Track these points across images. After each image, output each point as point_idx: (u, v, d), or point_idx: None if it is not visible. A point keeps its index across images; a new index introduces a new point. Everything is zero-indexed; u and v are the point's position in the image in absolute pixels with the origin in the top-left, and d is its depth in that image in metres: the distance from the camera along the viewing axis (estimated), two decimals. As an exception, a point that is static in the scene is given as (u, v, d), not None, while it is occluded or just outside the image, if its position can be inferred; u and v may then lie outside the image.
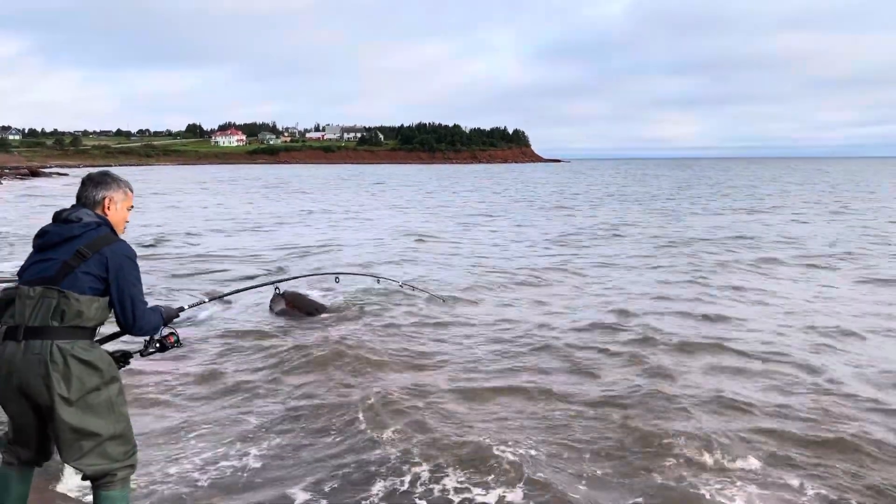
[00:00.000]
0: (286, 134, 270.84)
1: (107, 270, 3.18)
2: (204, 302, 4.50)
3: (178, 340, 3.57)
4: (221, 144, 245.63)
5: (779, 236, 22.66)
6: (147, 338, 3.48)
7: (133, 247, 3.44)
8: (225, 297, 3.86)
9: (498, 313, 11.81)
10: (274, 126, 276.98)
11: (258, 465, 5.85)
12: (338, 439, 6.41)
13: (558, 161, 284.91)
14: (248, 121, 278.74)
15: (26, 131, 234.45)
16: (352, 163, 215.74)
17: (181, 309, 3.76)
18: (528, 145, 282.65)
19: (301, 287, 13.66)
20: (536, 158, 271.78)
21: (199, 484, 5.40)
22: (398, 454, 5.98)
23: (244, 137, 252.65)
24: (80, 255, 3.15)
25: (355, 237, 23.79)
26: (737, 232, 23.96)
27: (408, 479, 5.54)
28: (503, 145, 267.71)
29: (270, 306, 12.33)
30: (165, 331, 3.53)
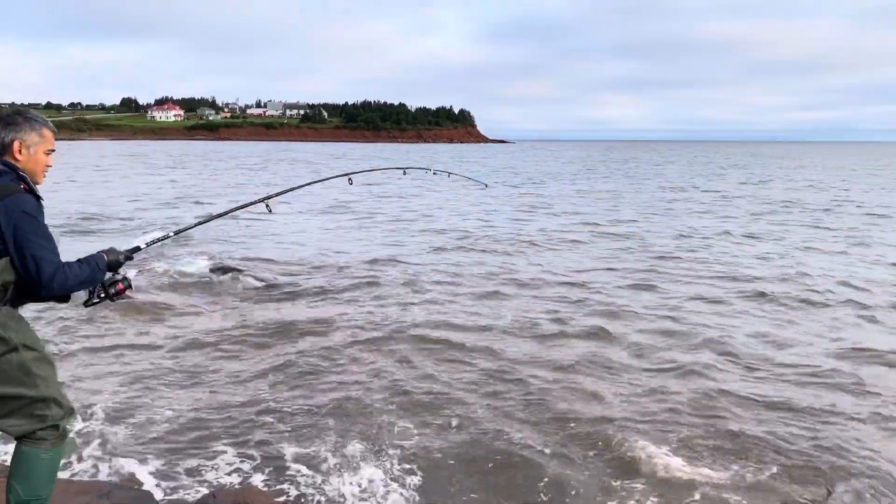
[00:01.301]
0: (226, 110, 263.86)
1: (1, 228, 2.85)
2: (168, 237, 3.85)
3: (128, 286, 3.30)
4: (158, 119, 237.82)
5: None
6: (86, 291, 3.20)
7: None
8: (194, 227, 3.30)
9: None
10: (213, 101, 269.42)
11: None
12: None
13: (503, 142, 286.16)
14: (187, 95, 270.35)
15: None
16: (294, 140, 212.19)
17: (135, 249, 3.46)
18: (473, 125, 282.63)
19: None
20: (482, 139, 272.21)
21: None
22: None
23: (182, 113, 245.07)
24: None
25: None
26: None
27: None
28: (449, 125, 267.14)
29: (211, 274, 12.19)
30: (113, 276, 3.27)
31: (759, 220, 22.29)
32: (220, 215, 4.04)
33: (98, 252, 3.24)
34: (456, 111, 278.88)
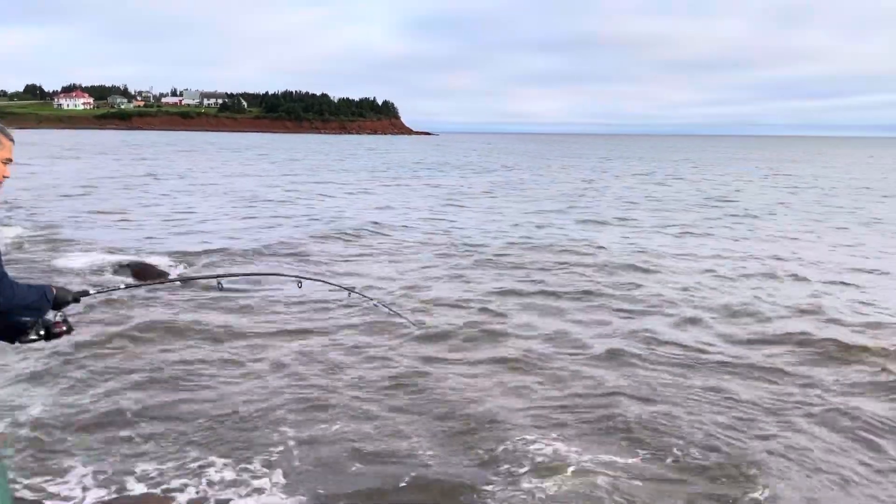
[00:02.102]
0: (139, 98, 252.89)
1: None
2: (119, 288, 3.69)
3: (69, 329, 3.01)
4: (66, 108, 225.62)
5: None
6: (29, 320, 2.89)
7: None
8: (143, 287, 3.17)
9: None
10: (126, 89, 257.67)
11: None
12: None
13: (428, 134, 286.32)
14: (97, 83, 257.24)
15: None
16: (213, 130, 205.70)
17: (83, 293, 3.16)
18: (397, 117, 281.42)
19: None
20: (406, 130, 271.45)
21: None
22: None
23: (91, 101, 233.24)
24: None
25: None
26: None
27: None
28: (373, 116, 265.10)
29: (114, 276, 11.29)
30: (55, 316, 2.98)
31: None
32: (167, 280, 3.96)
33: (46, 284, 3.00)
34: (380, 102, 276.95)
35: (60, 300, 3.00)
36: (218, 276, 3.91)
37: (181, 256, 13.18)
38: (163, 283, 3.68)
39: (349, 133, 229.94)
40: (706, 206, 25.56)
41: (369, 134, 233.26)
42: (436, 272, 12.52)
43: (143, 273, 11.14)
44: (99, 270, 11.62)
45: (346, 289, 5.44)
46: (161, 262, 12.27)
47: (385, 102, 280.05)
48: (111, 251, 13.57)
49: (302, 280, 4.31)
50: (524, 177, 41.87)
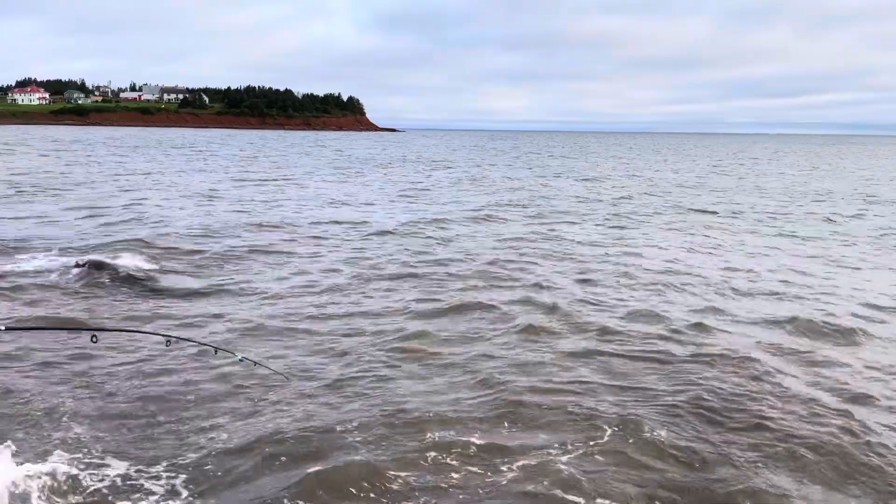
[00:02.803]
0: (97, 93, 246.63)
1: None
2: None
3: None
4: (20, 103, 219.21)
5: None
6: None
7: None
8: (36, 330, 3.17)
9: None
10: (83, 84, 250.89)
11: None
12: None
13: (394, 130, 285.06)
14: (53, 77, 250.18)
15: None
16: (173, 126, 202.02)
17: None
18: (363, 113, 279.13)
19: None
20: (371, 127, 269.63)
21: None
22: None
23: (47, 96, 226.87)
24: None
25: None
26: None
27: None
28: (337, 112, 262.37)
29: (74, 274, 11.51)
30: None
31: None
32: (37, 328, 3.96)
33: None
34: (345, 99, 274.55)
35: None
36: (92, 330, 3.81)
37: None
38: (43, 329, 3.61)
39: (313, 129, 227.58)
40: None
41: (334, 130, 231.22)
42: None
43: (98, 271, 11.38)
44: (56, 271, 11.82)
45: (211, 346, 5.74)
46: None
47: (350, 98, 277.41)
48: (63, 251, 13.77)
49: (171, 339, 4.34)
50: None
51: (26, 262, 12.76)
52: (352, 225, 19.16)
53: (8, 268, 12.13)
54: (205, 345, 5.79)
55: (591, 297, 11.36)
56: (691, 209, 25.03)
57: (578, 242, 17.02)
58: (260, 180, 34.32)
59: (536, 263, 14.08)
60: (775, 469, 5.66)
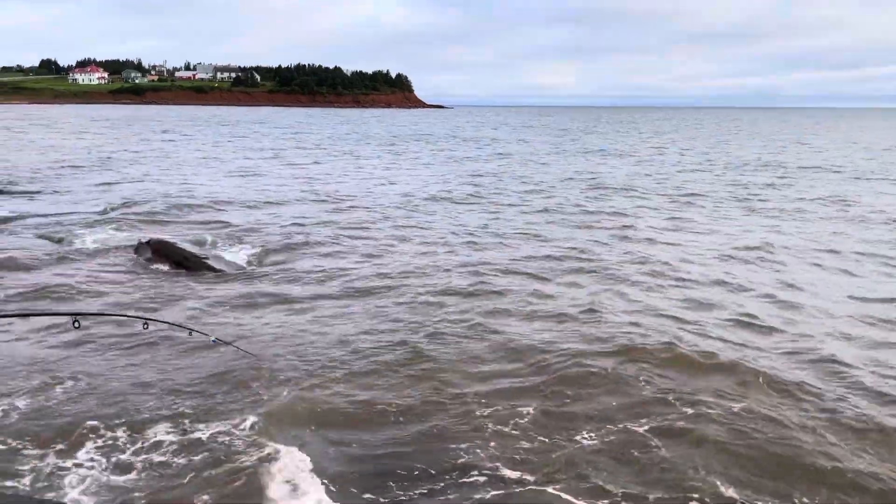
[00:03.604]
0: (153, 72, 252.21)
1: None
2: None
3: None
4: (81, 82, 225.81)
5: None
6: None
7: None
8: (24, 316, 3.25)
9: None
10: (139, 63, 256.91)
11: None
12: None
13: (441, 107, 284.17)
14: (111, 57, 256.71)
15: None
16: (226, 104, 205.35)
17: None
18: (411, 90, 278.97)
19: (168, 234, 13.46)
20: (419, 104, 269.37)
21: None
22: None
23: (106, 75, 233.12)
24: None
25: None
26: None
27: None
28: (386, 90, 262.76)
29: (136, 254, 12.15)
30: None
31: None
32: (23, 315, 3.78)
33: None
34: (393, 76, 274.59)
35: None
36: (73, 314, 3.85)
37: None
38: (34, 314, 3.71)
39: (362, 107, 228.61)
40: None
41: (382, 107, 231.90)
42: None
43: (161, 250, 12.00)
44: (115, 249, 12.50)
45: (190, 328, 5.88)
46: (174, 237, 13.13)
47: (398, 76, 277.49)
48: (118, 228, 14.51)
49: (148, 321, 4.32)
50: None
51: (89, 236, 13.52)
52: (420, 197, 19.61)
53: (76, 244, 12.90)
54: (181, 326, 6.16)
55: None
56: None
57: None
58: (315, 158, 34.99)
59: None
60: None
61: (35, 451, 5.43)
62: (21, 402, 6.23)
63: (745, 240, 14.94)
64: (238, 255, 12.54)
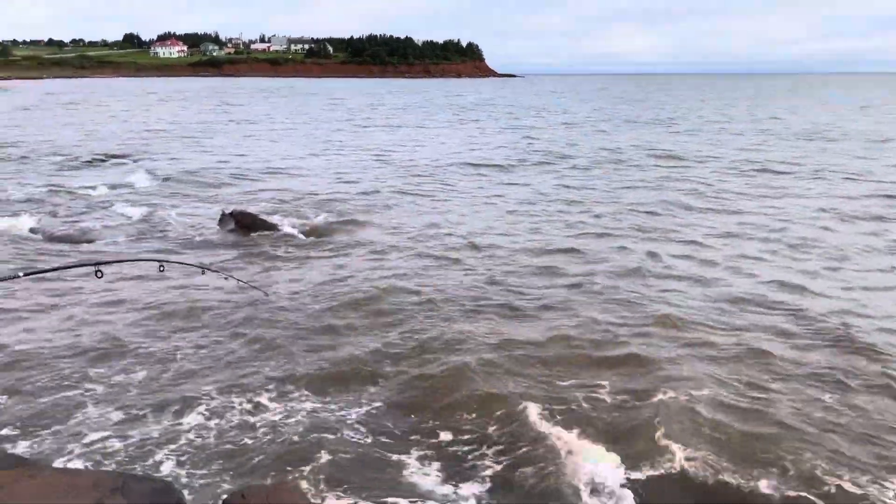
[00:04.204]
0: (230, 45, 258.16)
1: None
2: (17, 277, 3.53)
3: None
4: (161, 56, 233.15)
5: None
6: None
7: None
8: (46, 272, 3.16)
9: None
10: (217, 36, 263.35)
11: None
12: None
13: (513, 76, 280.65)
14: (189, 30, 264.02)
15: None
16: (300, 76, 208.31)
17: None
18: (482, 59, 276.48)
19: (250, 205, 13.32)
20: (491, 73, 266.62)
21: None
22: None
23: (185, 48, 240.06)
24: None
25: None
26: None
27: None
28: (457, 59, 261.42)
29: (219, 225, 12.04)
30: None
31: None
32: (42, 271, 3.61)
33: None
34: (464, 45, 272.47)
35: None
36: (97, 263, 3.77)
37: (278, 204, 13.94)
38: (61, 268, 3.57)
39: (433, 76, 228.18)
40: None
41: (453, 77, 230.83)
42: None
43: (245, 221, 11.84)
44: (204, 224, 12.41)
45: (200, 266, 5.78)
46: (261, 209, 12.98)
47: (469, 45, 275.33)
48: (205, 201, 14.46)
49: (164, 263, 4.27)
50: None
51: (176, 209, 13.55)
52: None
53: (161, 214, 12.94)
54: (194, 266, 5.97)
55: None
56: None
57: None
58: (385, 127, 34.79)
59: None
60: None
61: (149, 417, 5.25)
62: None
63: None
64: (313, 222, 12.32)
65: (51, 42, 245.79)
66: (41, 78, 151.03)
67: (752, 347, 6.93)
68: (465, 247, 10.84)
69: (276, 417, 5.38)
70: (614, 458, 4.86)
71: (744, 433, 5.29)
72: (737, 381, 6.23)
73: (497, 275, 9.30)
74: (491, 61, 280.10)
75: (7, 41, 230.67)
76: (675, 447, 5.02)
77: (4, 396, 5.47)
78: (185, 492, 4.15)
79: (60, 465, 4.19)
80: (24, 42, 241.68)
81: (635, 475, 4.76)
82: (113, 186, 16.16)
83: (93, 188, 15.83)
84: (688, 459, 4.92)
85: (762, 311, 8.11)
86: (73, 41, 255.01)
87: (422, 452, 5.03)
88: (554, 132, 32.40)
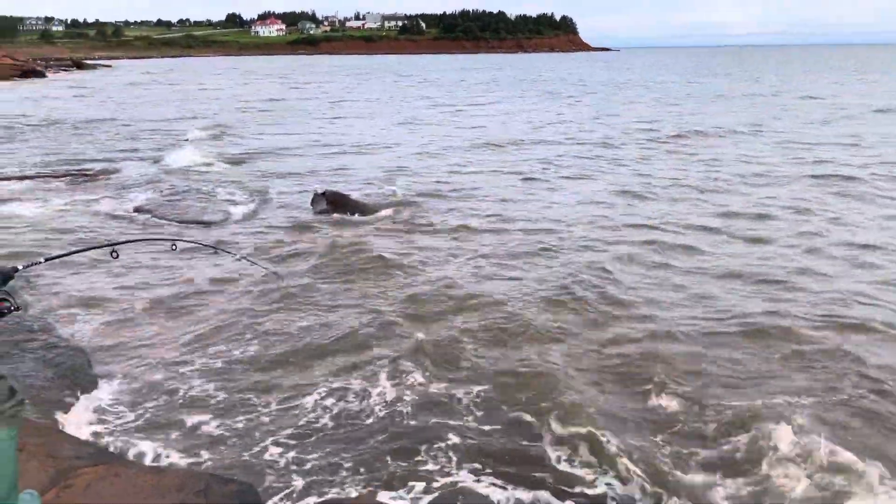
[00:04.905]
0: (326, 23, 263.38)
1: None
2: (39, 263, 3.46)
3: (13, 307, 2.82)
4: (261, 34, 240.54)
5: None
6: None
7: None
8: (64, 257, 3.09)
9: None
10: (314, 15, 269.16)
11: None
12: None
13: (607, 49, 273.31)
14: (288, 9, 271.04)
15: (69, 22, 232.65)
16: (393, 53, 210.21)
17: (14, 270, 3.04)
18: (575, 33, 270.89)
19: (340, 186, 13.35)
20: (584, 47, 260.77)
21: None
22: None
23: (284, 27, 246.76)
24: None
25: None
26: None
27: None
28: (550, 33, 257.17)
29: (311, 206, 12.11)
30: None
31: None
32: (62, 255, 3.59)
33: None
34: (557, 18, 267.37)
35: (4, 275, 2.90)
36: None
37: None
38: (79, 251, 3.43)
39: (525, 51, 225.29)
40: None
41: (546, 51, 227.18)
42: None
43: (337, 201, 11.85)
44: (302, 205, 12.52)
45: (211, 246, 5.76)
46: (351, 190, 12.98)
47: (563, 18, 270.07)
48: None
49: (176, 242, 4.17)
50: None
51: (270, 188, 13.74)
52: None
53: (255, 191, 13.17)
54: (207, 245, 5.85)
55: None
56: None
57: None
58: (476, 103, 34.42)
59: None
60: None
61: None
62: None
63: None
64: (406, 201, 12.25)
65: (159, 22, 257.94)
66: (150, 57, 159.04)
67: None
68: (576, 231, 10.42)
69: (389, 398, 5.22)
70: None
71: None
72: None
73: (604, 262, 8.83)
74: (585, 33, 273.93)
75: (119, 22, 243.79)
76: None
77: (105, 385, 5.50)
78: (286, 492, 4.06)
79: (150, 462, 4.14)
80: (135, 23, 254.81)
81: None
82: (209, 164, 16.58)
83: (192, 166, 16.30)
84: None
85: None
86: (180, 21, 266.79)
87: (557, 445, 4.75)
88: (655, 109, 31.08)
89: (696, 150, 18.72)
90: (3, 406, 2.64)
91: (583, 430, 4.76)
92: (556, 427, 4.85)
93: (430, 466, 4.41)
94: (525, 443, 4.72)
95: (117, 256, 3.47)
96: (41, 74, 63.93)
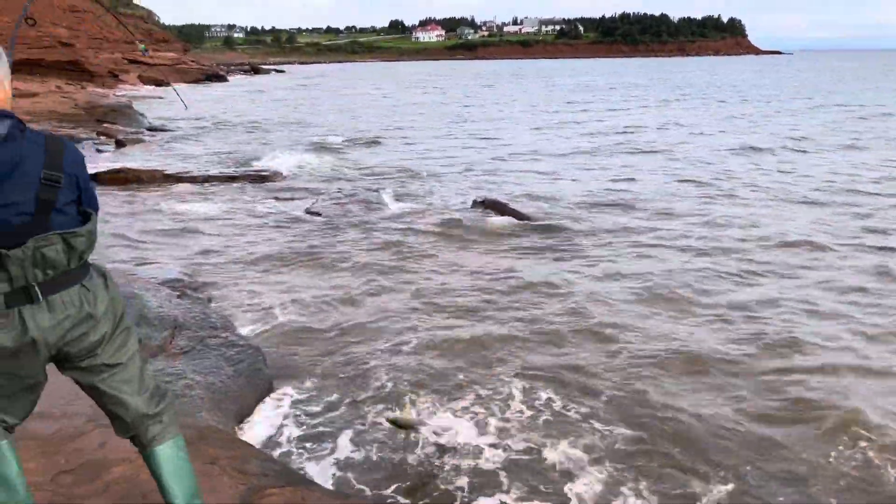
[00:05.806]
0: (484, 28, 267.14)
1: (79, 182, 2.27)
2: None
3: None
4: (422, 40, 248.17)
5: None
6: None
7: None
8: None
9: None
10: (472, 20, 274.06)
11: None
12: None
13: (778, 53, 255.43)
14: (448, 15, 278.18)
15: (249, 29, 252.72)
16: (550, 57, 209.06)
17: None
18: (743, 35, 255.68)
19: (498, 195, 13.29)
20: (753, 50, 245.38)
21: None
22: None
23: (443, 33, 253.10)
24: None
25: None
26: None
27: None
28: (715, 35, 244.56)
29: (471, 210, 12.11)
30: None
31: None
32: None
33: None
34: (724, 20, 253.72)
35: None
36: None
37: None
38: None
39: (686, 55, 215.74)
40: None
41: (710, 55, 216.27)
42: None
43: (497, 209, 11.76)
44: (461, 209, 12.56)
45: None
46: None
47: (731, 20, 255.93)
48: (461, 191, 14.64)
49: None
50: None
51: (430, 194, 13.91)
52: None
53: (416, 196, 13.35)
54: None
55: None
56: None
57: None
58: (632, 109, 33.21)
59: None
60: None
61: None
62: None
63: None
64: (565, 212, 11.90)
65: (328, 30, 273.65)
66: (318, 62, 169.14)
67: None
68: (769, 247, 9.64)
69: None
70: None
71: None
72: None
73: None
74: (754, 35, 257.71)
75: (293, 29, 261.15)
76: None
77: (284, 389, 5.40)
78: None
79: (332, 486, 3.99)
80: (307, 30, 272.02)
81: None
82: (372, 169, 17.09)
83: (358, 170, 16.89)
84: None
85: None
86: (347, 28, 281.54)
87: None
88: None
89: None
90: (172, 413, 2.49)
91: None
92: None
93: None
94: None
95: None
96: (223, 78, 69.55)
